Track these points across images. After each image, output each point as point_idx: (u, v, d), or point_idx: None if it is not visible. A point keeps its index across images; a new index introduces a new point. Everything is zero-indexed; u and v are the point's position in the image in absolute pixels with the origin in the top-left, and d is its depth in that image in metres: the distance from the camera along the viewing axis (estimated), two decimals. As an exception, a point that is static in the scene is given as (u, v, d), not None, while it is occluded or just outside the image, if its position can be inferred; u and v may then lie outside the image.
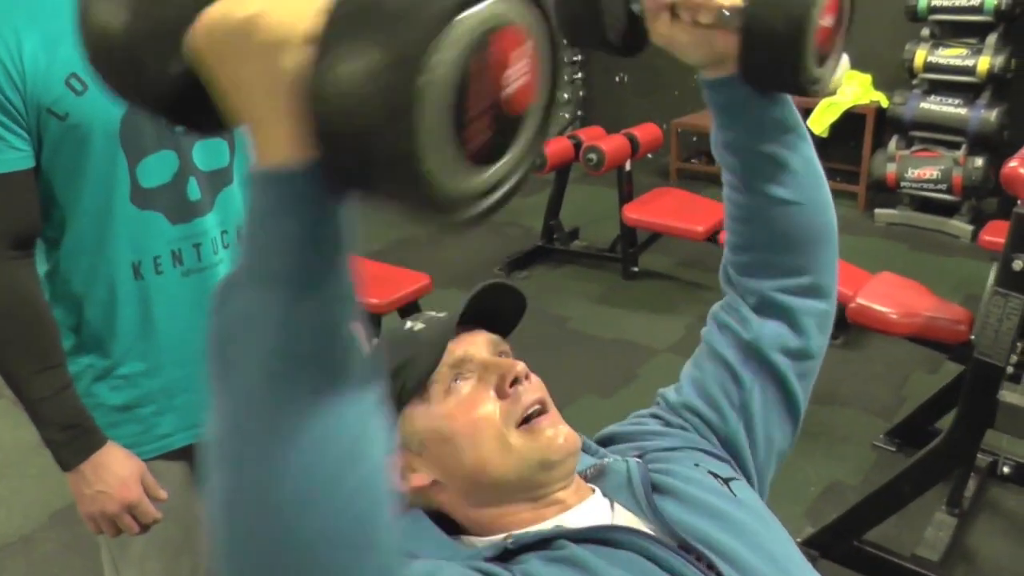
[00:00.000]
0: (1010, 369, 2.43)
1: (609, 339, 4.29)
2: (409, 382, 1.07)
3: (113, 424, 1.47)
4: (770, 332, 1.17)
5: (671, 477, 1.07)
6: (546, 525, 1.02)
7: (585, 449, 1.18)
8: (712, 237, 4.38)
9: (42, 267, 1.44)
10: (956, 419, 2.36)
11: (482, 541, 1.04)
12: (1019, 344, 2.53)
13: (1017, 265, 2.12)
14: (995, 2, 4.99)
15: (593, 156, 4.74)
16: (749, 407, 1.18)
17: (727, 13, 1.00)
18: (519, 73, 0.62)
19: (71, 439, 1.40)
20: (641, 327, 4.39)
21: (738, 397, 1.19)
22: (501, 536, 1.01)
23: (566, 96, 7.45)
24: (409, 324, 1.15)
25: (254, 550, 0.66)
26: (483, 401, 1.05)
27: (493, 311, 1.14)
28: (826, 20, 1.02)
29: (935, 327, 2.85)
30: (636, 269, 5.05)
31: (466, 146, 0.59)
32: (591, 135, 5.13)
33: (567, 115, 7.48)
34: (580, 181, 5.74)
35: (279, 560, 0.66)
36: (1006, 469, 2.99)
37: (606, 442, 1.24)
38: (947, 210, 5.49)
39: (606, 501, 1.07)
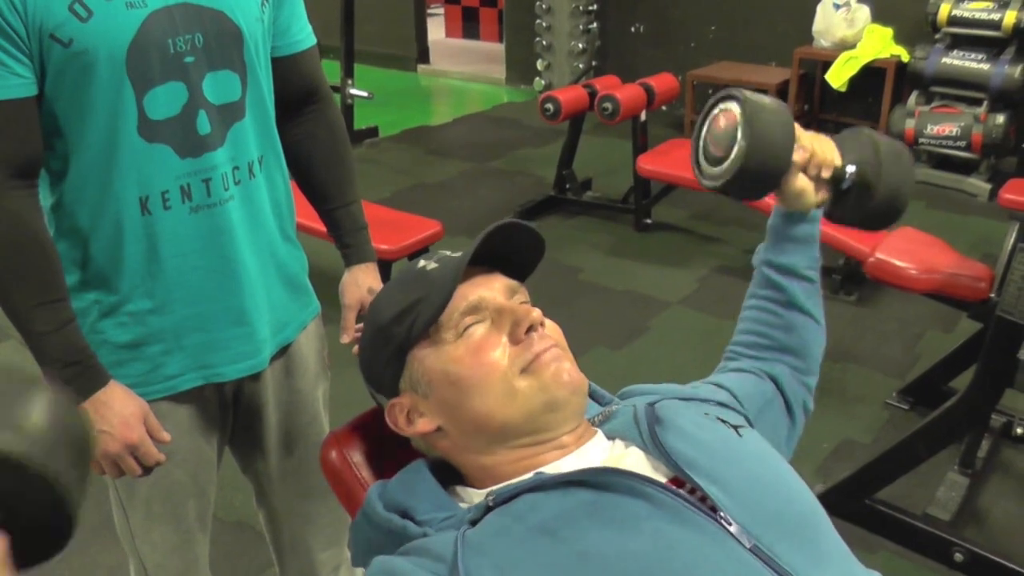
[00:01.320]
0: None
1: (621, 291, 4.26)
2: (418, 323, 1.06)
3: (119, 362, 1.44)
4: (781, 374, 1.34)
5: (678, 417, 1.08)
6: (528, 475, 1.02)
7: (598, 399, 1.18)
8: (727, 190, 4.31)
9: (47, 200, 1.40)
10: (975, 378, 2.32)
11: (477, 494, 1.05)
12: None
13: (1046, 221, 2.08)
14: (1024, -46, 4.87)
15: (608, 105, 4.67)
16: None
17: (836, 172, 1.27)
18: None
19: (73, 376, 1.37)
20: (653, 279, 4.35)
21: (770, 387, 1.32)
22: (484, 493, 1.02)
23: (581, 45, 7.35)
24: (422, 263, 1.13)
25: None
26: (493, 346, 1.05)
27: (510, 253, 1.12)
28: None
29: (955, 284, 2.80)
30: (649, 221, 5.00)
31: None
32: (606, 84, 5.04)
33: (581, 65, 7.39)
34: (593, 132, 5.68)
35: None
36: (1020, 430, 2.97)
37: (625, 396, 1.24)
38: (965, 168, 5.42)
39: (608, 442, 1.08)
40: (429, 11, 9.89)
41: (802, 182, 1.25)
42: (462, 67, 9.16)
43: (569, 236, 4.91)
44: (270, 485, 1.78)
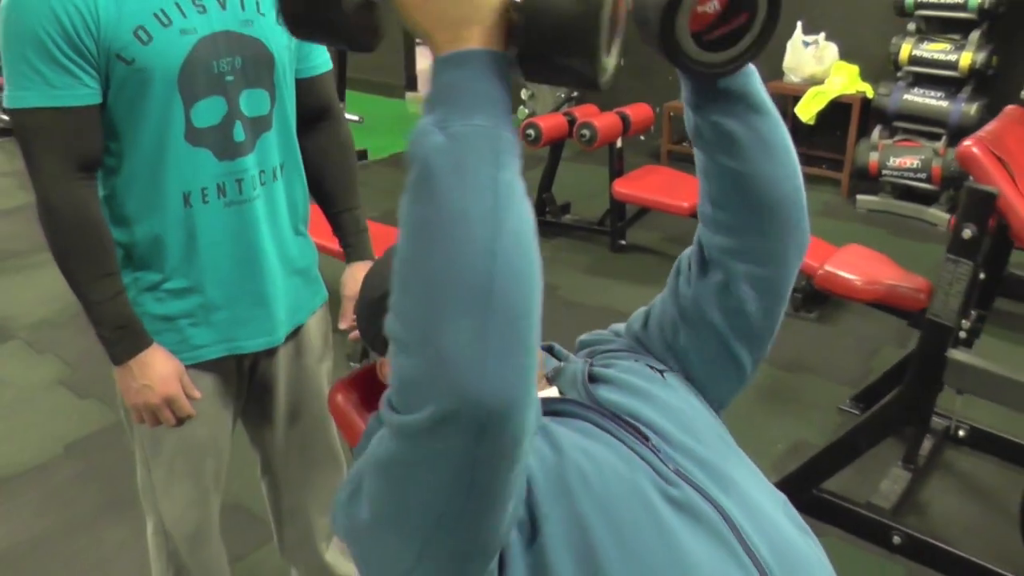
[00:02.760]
0: (962, 334, 2.64)
1: (595, 307, 4.51)
2: None
3: (155, 332, 1.67)
4: (709, 290, 1.24)
5: (611, 369, 1.27)
6: None
7: (558, 356, 1.40)
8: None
9: (100, 192, 1.63)
10: (908, 376, 2.56)
11: None
12: (972, 312, 2.76)
13: (966, 234, 2.33)
14: (979, 0, 5.17)
15: (586, 132, 4.94)
16: (687, 358, 1.32)
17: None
18: None
19: (121, 338, 1.61)
20: (626, 297, 4.60)
21: (675, 343, 1.32)
22: None
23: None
24: None
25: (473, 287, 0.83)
26: None
27: None
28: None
29: (897, 294, 3.05)
30: (624, 242, 5.26)
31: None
32: (585, 112, 5.32)
33: (563, 94, 7.65)
34: (573, 159, 5.93)
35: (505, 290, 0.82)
36: (961, 432, 3.19)
37: (580, 347, 1.45)
38: (926, 199, 5.70)
39: (558, 394, 1.28)
40: (417, 41, 10.14)
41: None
42: (449, 96, 9.36)
43: (548, 256, 5.11)
44: (275, 454, 2.00)
